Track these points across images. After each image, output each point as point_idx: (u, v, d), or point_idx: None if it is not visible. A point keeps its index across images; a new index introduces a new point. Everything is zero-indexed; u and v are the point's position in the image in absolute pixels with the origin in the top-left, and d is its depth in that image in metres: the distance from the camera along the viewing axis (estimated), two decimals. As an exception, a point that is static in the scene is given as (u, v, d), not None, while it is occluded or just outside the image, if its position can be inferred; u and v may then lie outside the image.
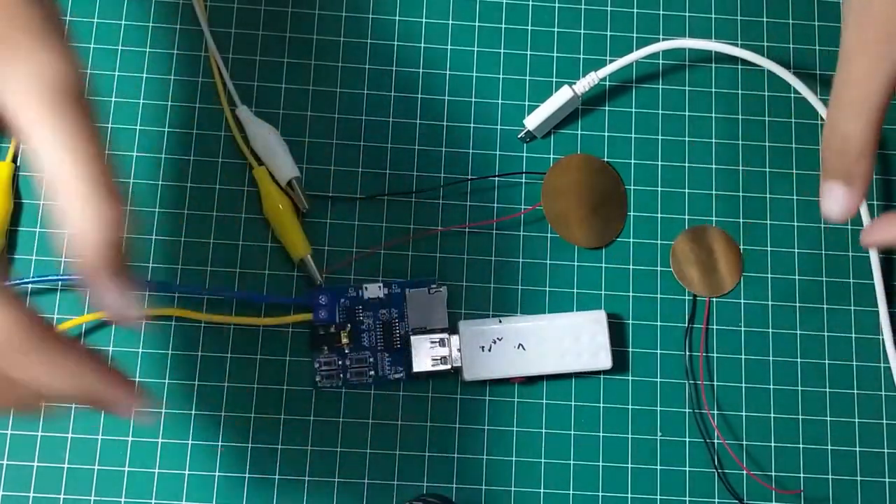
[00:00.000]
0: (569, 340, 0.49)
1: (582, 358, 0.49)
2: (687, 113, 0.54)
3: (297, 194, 0.51)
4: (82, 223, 0.32)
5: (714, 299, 0.52)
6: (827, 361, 0.51)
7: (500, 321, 0.49)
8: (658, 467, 0.50)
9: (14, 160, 0.51)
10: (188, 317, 0.49)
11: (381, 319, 0.50)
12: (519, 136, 0.53)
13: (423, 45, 0.54)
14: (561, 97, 0.52)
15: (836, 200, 0.39)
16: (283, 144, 0.51)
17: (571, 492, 0.49)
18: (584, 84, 0.52)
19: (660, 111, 0.54)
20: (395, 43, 0.54)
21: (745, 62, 0.54)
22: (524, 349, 0.49)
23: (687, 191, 0.53)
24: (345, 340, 0.49)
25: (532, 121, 0.53)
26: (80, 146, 0.31)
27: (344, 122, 0.53)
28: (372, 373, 0.49)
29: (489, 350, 0.49)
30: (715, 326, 0.52)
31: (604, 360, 0.49)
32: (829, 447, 0.50)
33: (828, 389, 0.51)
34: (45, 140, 0.31)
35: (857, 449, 0.50)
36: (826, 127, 0.39)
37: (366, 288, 0.50)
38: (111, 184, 0.32)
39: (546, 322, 0.50)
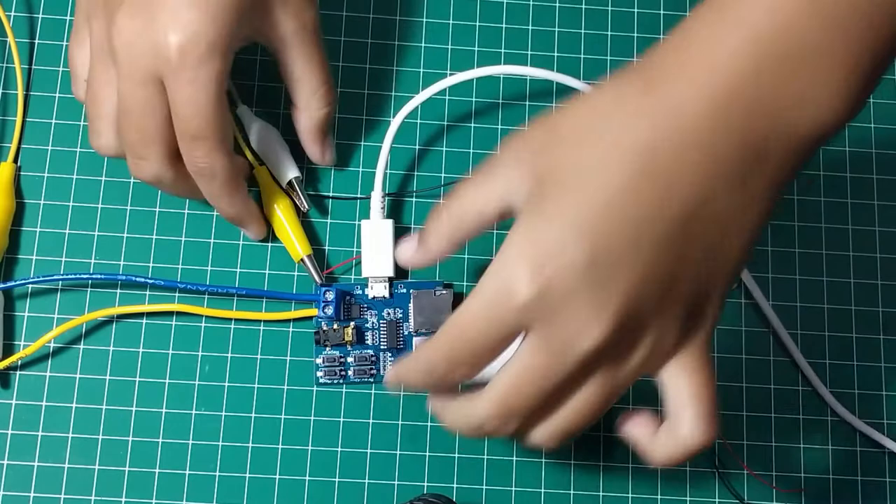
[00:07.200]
0: (570, 340, 0.49)
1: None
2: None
3: (298, 194, 0.51)
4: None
5: (714, 299, 0.52)
6: (828, 361, 0.51)
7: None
8: (658, 467, 0.50)
9: (15, 160, 0.51)
10: (190, 311, 0.49)
11: (385, 319, 0.50)
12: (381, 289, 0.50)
13: (423, 44, 0.54)
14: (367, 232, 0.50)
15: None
16: (284, 144, 0.51)
17: (572, 492, 0.49)
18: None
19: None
20: (396, 43, 0.54)
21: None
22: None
23: (687, 191, 0.53)
24: (348, 338, 0.49)
25: (374, 268, 0.50)
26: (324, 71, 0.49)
27: (344, 121, 0.53)
28: (374, 371, 0.49)
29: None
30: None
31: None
32: (830, 447, 0.50)
33: (829, 389, 0.51)
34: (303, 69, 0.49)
35: (858, 449, 0.50)
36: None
37: (371, 287, 0.50)
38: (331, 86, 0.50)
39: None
